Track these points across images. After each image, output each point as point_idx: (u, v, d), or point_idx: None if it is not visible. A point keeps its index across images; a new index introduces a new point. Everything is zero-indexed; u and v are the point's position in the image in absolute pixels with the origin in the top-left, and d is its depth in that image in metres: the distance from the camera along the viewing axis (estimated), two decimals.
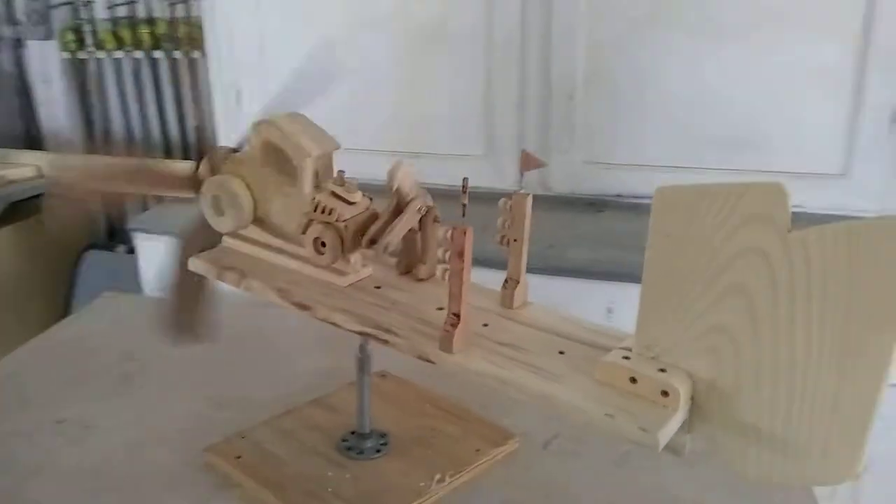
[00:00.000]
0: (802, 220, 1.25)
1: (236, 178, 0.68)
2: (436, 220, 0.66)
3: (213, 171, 0.70)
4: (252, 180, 0.68)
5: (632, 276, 1.05)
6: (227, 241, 0.72)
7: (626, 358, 0.53)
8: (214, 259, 0.70)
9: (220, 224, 0.69)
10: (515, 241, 0.62)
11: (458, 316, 0.56)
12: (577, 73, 1.17)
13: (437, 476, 0.69)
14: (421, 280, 0.66)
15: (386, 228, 0.64)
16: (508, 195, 0.62)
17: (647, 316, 0.53)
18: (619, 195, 1.20)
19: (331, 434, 0.75)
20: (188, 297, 0.74)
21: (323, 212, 0.64)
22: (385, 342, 0.59)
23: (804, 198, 1.16)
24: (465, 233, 0.54)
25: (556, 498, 0.71)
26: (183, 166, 0.72)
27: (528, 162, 0.61)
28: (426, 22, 1.20)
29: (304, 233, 0.66)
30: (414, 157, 1.00)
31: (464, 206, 0.55)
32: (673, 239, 0.50)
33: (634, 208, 1.19)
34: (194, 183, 0.71)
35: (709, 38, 1.13)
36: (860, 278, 0.45)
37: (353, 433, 0.74)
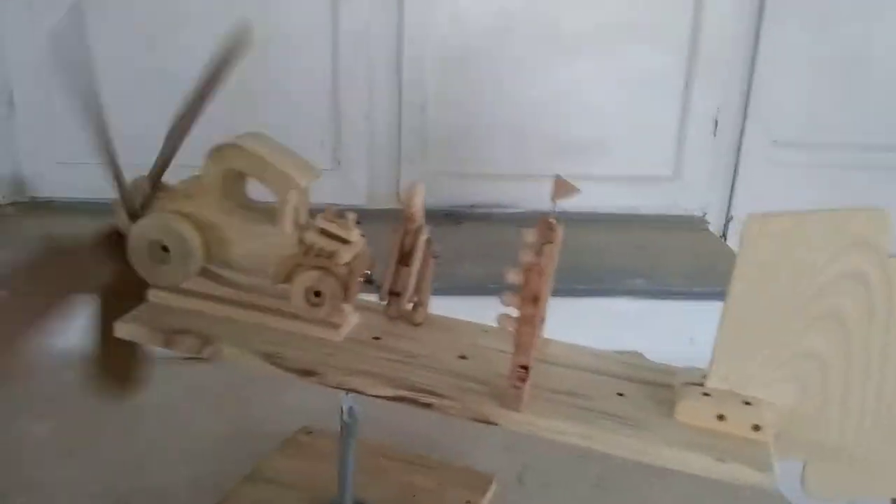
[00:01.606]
0: (639, 220, 1.31)
1: (182, 218, 0.54)
2: (434, 255, 0.58)
3: (133, 215, 0.55)
4: (203, 219, 0.55)
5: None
6: (158, 297, 0.57)
7: (706, 395, 0.50)
8: (152, 321, 0.55)
9: (162, 276, 0.55)
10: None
11: (526, 369, 0.49)
12: (428, 83, 1.12)
13: None
14: (417, 325, 0.58)
15: (402, 266, 0.55)
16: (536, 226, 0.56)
17: (727, 346, 0.50)
18: (473, 206, 1.17)
19: None
20: (120, 354, 0.58)
21: (318, 255, 0.53)
22: (428, 406, 0.50)
23: (640, 199, 1.23)
24: (541, 274, 0.48)
25: None
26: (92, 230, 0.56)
27: (561, 189, 0.56)
28: (261, 19, 1.07)
29: (285, 281, 0.54)
30: None
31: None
32: (764, 266, 0.48)
33: (489, 218, 1.17)
34: (117, 240, 0.55)
35: (555, 50, 1.14)
36: None
37: None
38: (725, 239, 1.27)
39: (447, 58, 1.11)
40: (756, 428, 0.49)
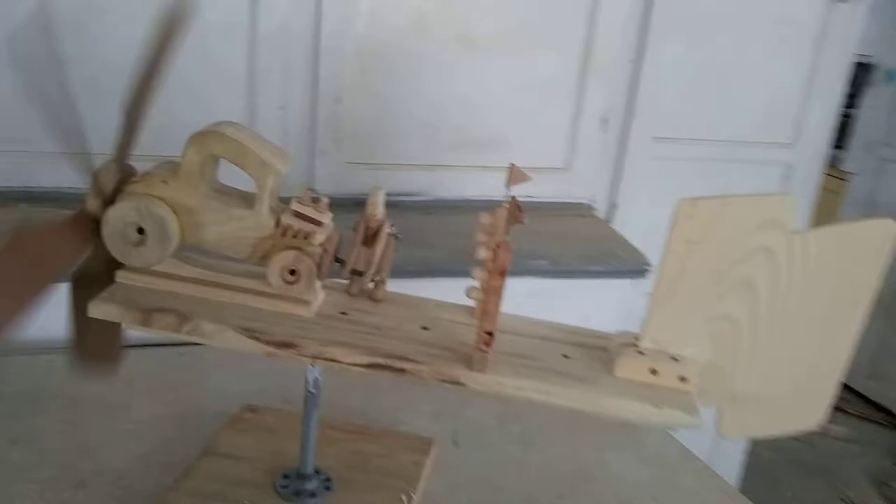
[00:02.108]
0: (535, 207, 1.40)
1: (161, 201, 0.57)
2: (397, 236, 0.63)
3: (106, 197, 0.57)
4: (180, 203, 0.57)
5: (431, 273, 1.08)
6: (128, 278, 0.59)
7: (641, 353, 0.58)
8: (127, 301, 0.57)
9: (137, 258, 0.57)
10: None
11: (491, 334, 0.55)
12: (344, 76, 1.15)
13: (404, 497, 0.67)
14: (378, 301, 0.63)
15: (367, 256, 0.60)
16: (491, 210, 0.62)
17: (658, 311, 0.58)
18: (385, 194, 1.22)
19: (262, 484, 0.66)
20: (102, 331, 0.59)
21: (294, 236, 0.57)
22: (402, 371, 0.56)
23: (536, 189, 1.32)
24: (508, 251, 0.54)
25: (506, 485, 0.74)
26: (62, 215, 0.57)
27: (515, 177, 0.62)
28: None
29: (261, 261, 0.58)
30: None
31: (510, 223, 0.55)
32: (690, 243, 0.56)
33: (398, 205, 1.23)
34: (88, 223, 0.57)
35: (465, 50, 1.20)
36: (843, 267, 0.56)
37: (286, 476, 0.67)
38: (611, 223, 1.38)
39: (363, 52, 1.16)
40: (683, 379, 0.57)
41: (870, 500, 1.97)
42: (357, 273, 0.61)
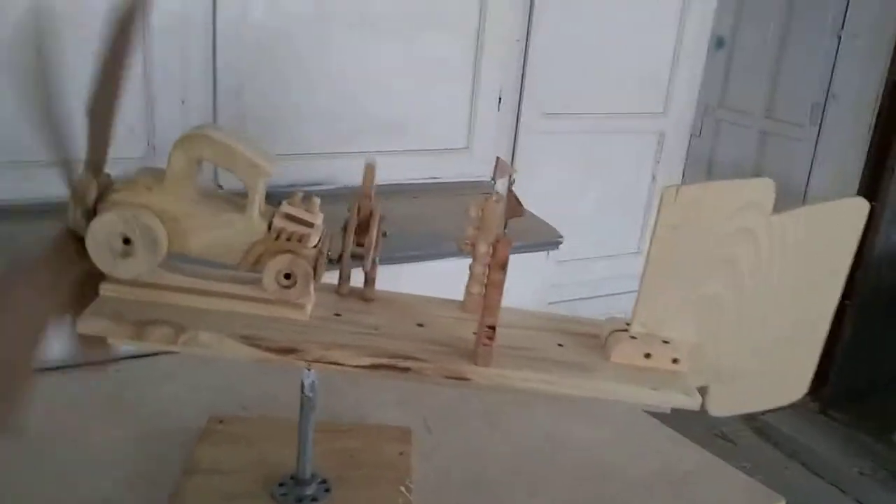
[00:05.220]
0: (439, 188, 1.42)
1: (148, 210, 0.53)
2: (384, 233, 0.62)
3: (87, 210, 0.52)
4: (166, 211, 0.54)
5: None
6: (114, 290, 0.55)
7: (633, 338, 0.60)
8: (117, 314, 0.54)
9: (124, 268, 0.54)
10: None
11: (493, 328, 0.55)
12: (243, 67, 1.10)
13: (402, 487, 0.66)
14: (370, 300, 0.61)
15: (362, 240, 0.58)
16: (478, 204, 0.61)
17: (646, 296, 0.60)
18: (290, 185, 1.19)
19: (259, 495, 0.64)
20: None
21: (289, 239, 0.55)
22: (406, 370, 0.55)
23: (439, 169, 1.33)
24: (508, 245, 0.54)
25: (491, 460, 0.76)
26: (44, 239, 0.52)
27: (501, 169, 0.62)
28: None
29: (253, 266, 0.55)
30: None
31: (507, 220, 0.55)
32: (676, 228, 0.58)
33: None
34: (72, 240, 0.53)
35: (363, 36, 1.19)
36: (819, 245, 0.59)
37: (282, 485, 0.65)
38: None
39: (262, 42, 1.12)
40: (675, 361, 0.59)
41: (742, 433, 2.15)
42: (356, 258, 0.59)
